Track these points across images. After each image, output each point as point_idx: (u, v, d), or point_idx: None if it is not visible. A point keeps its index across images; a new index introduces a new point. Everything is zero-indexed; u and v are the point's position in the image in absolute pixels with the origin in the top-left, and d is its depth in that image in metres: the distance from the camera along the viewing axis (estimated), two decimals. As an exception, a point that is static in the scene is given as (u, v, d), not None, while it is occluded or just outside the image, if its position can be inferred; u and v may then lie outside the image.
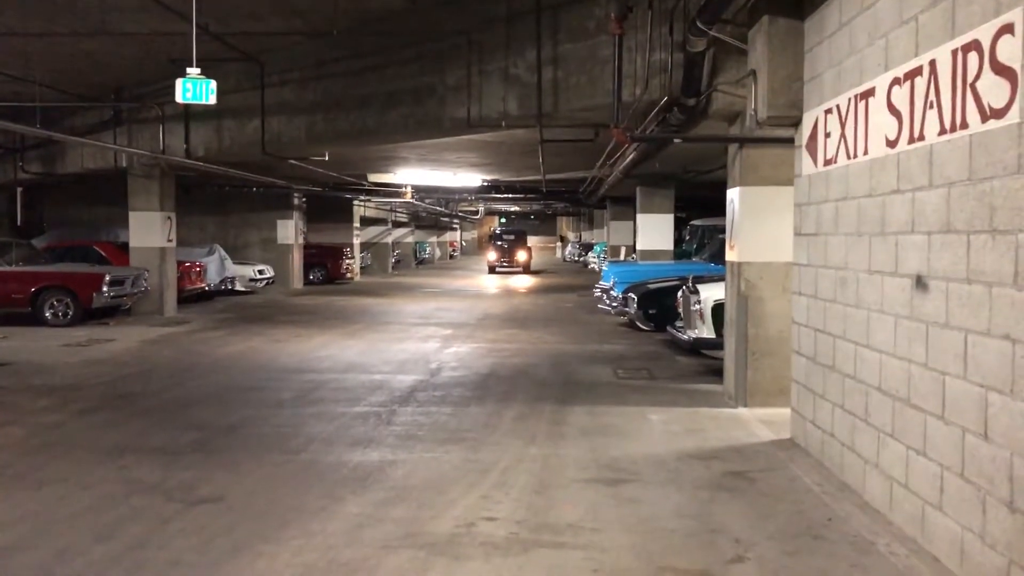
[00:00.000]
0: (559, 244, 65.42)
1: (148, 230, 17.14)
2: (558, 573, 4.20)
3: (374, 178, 24.05)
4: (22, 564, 4.30)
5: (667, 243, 19.82)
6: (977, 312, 3.99)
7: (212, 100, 9.11)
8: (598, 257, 32.46)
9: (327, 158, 15.28)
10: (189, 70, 9.03)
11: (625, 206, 25.14)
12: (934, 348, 4.41)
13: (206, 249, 21.73)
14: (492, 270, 37.08)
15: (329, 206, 29.35)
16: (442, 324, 15.91)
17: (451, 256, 60.09)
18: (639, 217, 20.27)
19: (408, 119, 11.47)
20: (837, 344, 5.88)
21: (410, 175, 23.71)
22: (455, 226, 61.68)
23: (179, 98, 8.99)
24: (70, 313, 15.11)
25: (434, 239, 53.25)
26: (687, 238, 20.96)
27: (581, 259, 43.59)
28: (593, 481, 5.79)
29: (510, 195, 28.78)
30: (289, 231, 25.74)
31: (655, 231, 19.76)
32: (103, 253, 18.63)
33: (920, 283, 4.57)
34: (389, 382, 9.63)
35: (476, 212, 51.22)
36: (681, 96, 8.34)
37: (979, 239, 3.98)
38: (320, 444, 6.79)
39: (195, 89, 8.89)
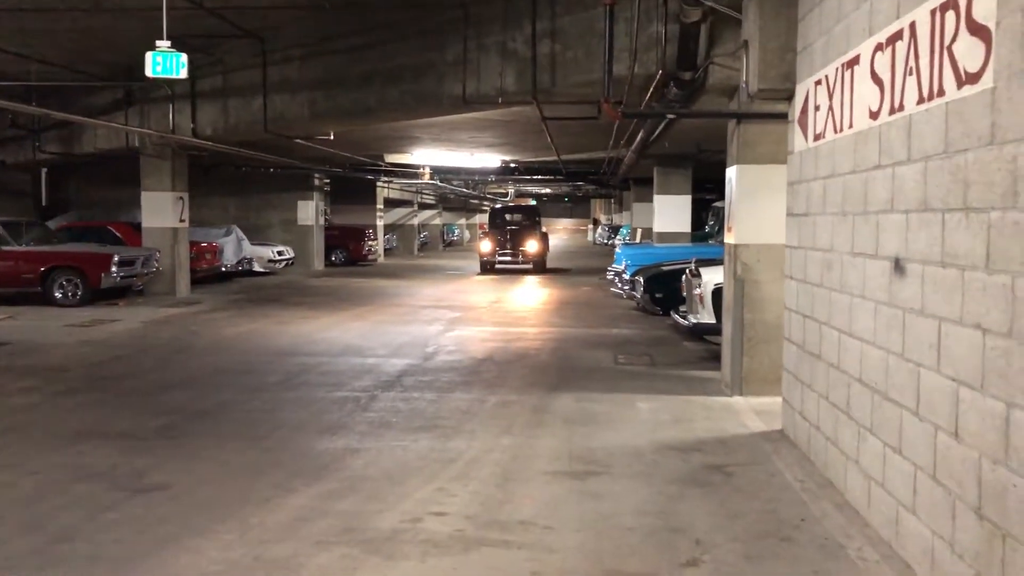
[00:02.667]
0: (591, 227, 64.78)
1: (160, 210, 17.08)
2: None
3: (391, 158, 23.80)
4: (-61, 555, 4.12)
5: (684, 225, 19.35)
6: (950, 298, 3.63)
7: (183, 74, 8.88)
8: (622, 239, 31.94)
9: (332, 137, 15.06)
10: (159, 43, 8.81)
11: (648, 187, 24.54)
12: (910, 337, 4.05)
13: (223, 230, 21.66)
14: (486, 268, 24.38)
15: (352, 187, 29.19)
16: (453, 307, 15.66)
17: (481, 238, 59.70)
18: (656, 198, 19.84)
19: (407, 96, 11.19)
20: (823, 331, 5.52)
21: (427, 156, 23.43)
22: (485, 208, 61.31)
23: (149, 72, 8.79)
24: (79, 293, 15.08)
25: (463, 221, 53.04)
26: (710, 221, 20.48)
27: (610, 242, 43.12)
28: (560, 474, 5.50)
29: (531, 176, 28.34)
30: (309, 212, 25.64)
31: (672, 213, 19.31)
32: (118, 234, 18.63)
33: (898, 266, 4.20)
34: (380, 366, 9.40)
35: (505, 194, 50.81)
36: (677, 70, 7.97)
37: (953, 218, 3.61)
38: (288, 431, 6.57)
39: (165, 63, 8.68)
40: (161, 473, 5.47)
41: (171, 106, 15.53)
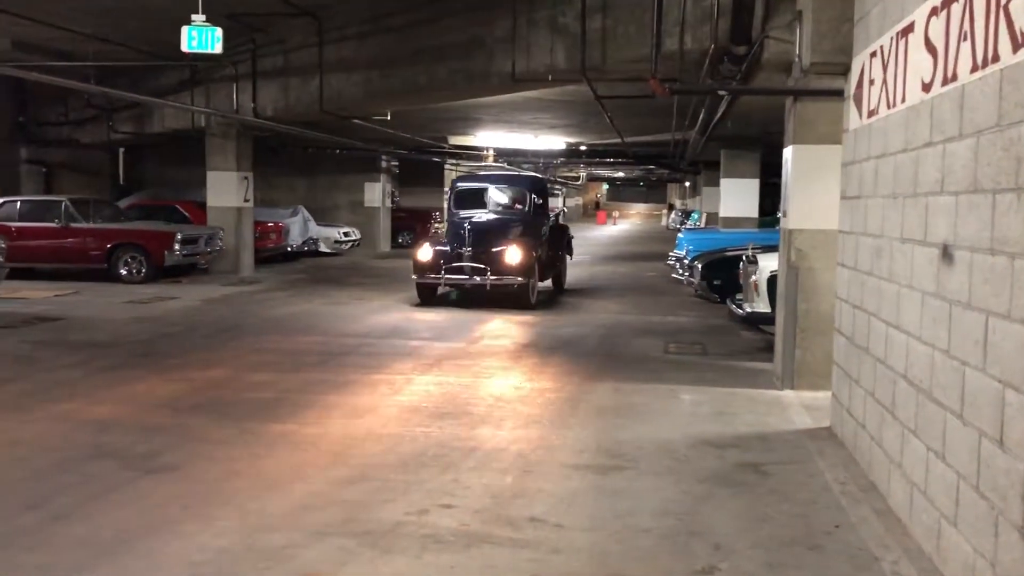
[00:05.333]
0: (666, 212, 63.81)
1: (225, 190, 17.25)
2: (489, 576, 3.68)
3: (454, 140, 23.64)
4: (-63, 531, 4.07)
5: (751, 210, 18.69)
6: (999, 290, 3.22)
7: (218, 49, 8.80)
8: (693, 224, 31.19)
9: (389, 118, 14.92)
10: (194, 17, 8.72)
11: (717, 171, 23.97)
12: (956, 332, 3.65)
13: (289, 210, 21.81)
14: (425, 294, 12.78)
15: (420, 170, 29.10)
16: (509, 290, 15.38)
17: (553, 222, 59.05)
18: (722, 182, 19.25)
19: (456, 75, 10.95)
20: (872, 323, 5.10)
21: (490, 138, 23.20)
22: (556, 192, 60.79)
23: (184, 47, 8.72)
24: (143, 270, 15.32)
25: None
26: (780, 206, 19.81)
27: (681, 227, 42.39)
28: (582, 468, 5.22)
29: (599, 159, 27.85)
30: (376, 194, 25.66)
31: (738, 197, 18.67)
32: (185, 212, 18.93)
33: (946, 254, 3.79)
34: (422, 349, 9.23)
35: (577, 178, 50.33)
36: (730, 44, 7.54)
37: (1004, 199, 3.20)
38: (316, 412, 6.43)
39: (200, 37, 8.59)
40: (175, 453, 5.37)
41: (234, 86, 15.62)
